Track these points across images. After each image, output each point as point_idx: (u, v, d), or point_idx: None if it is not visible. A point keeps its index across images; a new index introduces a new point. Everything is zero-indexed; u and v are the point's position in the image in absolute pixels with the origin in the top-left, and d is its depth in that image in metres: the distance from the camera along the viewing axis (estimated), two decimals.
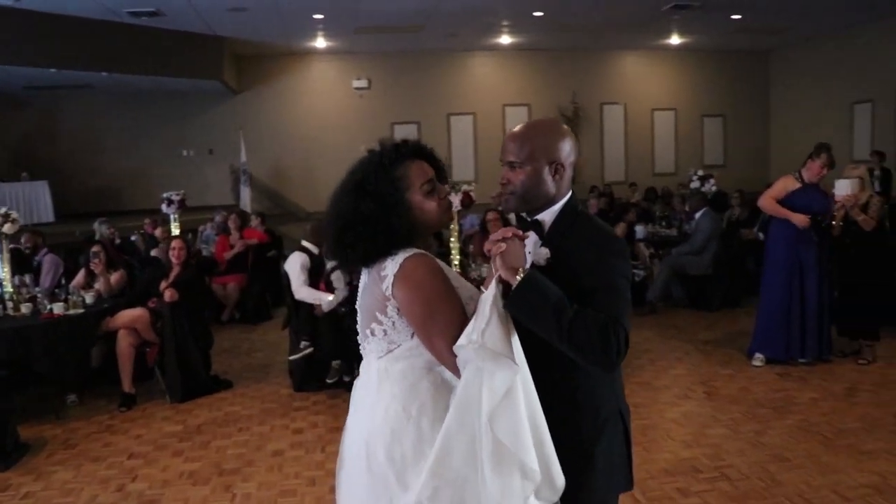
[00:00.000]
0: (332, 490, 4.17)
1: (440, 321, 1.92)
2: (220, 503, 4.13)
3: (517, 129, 2.11)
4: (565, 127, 2.14)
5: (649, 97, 16.16)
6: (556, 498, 1.93)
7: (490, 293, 1.88)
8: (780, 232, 6.15)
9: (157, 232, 8.61)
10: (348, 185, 2.05)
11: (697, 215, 8.75)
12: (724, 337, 7.33)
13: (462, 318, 1.92)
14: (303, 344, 6.04)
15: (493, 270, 1.93)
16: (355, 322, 6.46)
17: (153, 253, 7.95)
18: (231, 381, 6.30)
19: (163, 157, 14.30)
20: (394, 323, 1.99)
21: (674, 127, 16.44)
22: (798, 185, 6.08)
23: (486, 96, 15.45)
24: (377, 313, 2.01)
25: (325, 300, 5.97)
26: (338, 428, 5.12)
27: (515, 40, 14.28)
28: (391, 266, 1.97)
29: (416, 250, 1.99)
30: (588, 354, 1.87)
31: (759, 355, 6.28)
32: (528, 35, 13.90)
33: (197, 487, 4.33)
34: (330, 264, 6.15)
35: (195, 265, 6.32)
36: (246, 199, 13.06)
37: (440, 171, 2.13)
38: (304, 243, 6.32)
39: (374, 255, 2.00)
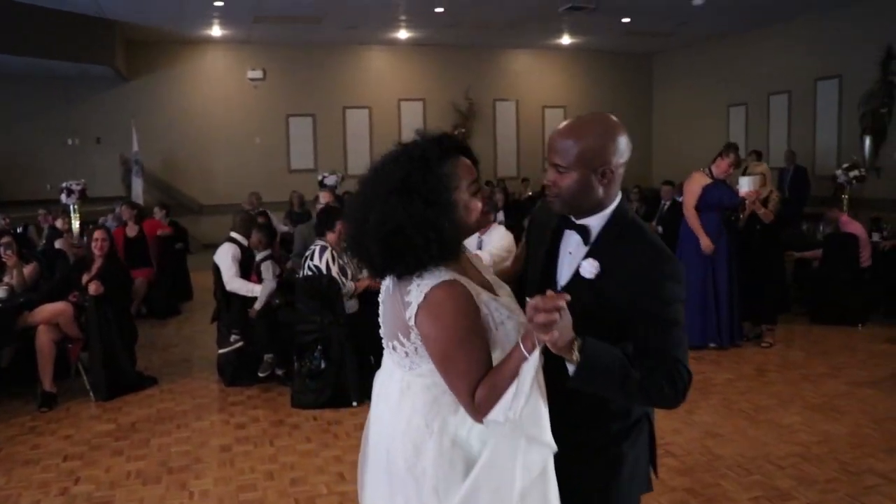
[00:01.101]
0: (294, 483, 4.20)
1: (462, 364, 1.78)
2: (178, 501, 4.01)
3: (565, 127, 1.91)
4: (617, 124, 1.92)
5: (540, 95, 16.60)
6: None
7: (532, 365, 1.69)
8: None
9: (59, 223, 8.13)
10: (388, 185, 1.82)
11: None
12: None
13: (486, 359, 1.79)
14: (233, 337, 5.90)
15: (536, 340, 1.66)
16: (288, 314, 6.28)
17: (57, 245, 7.49)
18: (156, 378, 6.07)
19: (45, 146, 13.37)
20: (416, 349, 1.86)
21: None
22: (710, 180, 6.49)
23: (382, 90, 15.43)
24: (399, 334, 1.88)
25: (257, 291, 5.86)
26: (280, 422, 5.12)
27: (412, 35, 14.33)
28: (415, 293, 1.80)
29: (443, 275, 1.80)
30: (659, 404, 1.88)
31: None
32: (425, 31, 13.99)
33: (149, 487, 4.17)
34: (259, 256, 6.04)
35: (119, 256, 6.02)
36: (138, 190, 12.48)
37: (476, 168, 1.95)
38: (234, 234, 6.17)
39: (422, 264, 1.80)
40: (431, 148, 1.86)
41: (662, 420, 5.01)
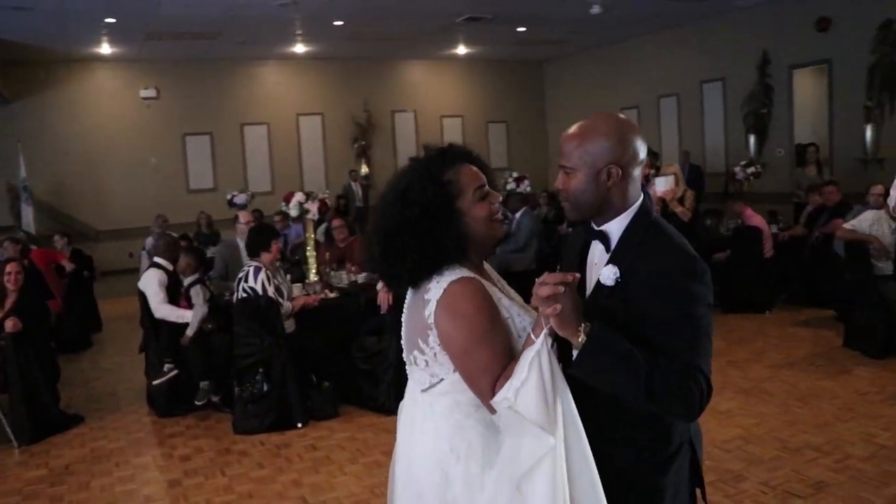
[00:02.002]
0: None
1: (482, 359, 1.76)
2: None
3: (572, 129, 1.87)
4: (625, 122, 1.87)
5: (438, 105, 16.73)
6: None
7: (535, 348, 1.68)
8: None
9: None
10: (392, 195, 1.89)
11: (517, 215, 9.31)
12: None
13: (507, 354, 1.78)
14: (167, 367, 5.66)
15: (543, 322, 1.68)
16: (222, 339, 6.13)
17: None
18: (82, 415, 5.74)
19: None
20: (435, 354, 1.85)
21: (461, 133, 17.12)
22: None
23: (280, 106, 15.17)
24: (419, 341, 1.87)
25: (188, 317, 5.64)
26: (226, 450, 4.96)
27: (309, 49, 14.16)
28: (435, 290, 1.82)
29: (463, 272, 1.83)
30: (669, 409, 1.73)
31: None
32: (322, 44, 13.87)
33: None
34: (188, 280, 5.83)
35: (34, 290, 5.66)
36: (28, 218, 11.73)
37: (489, 177, 1.96)
38: (158, 260, 5.92)
39: (424, 271, 1.84)
40: (435, 158, 1.92)
41: None
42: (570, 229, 9.70)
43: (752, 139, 12.53)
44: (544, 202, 10.95)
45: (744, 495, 3.90)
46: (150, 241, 9.32)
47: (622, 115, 1.91)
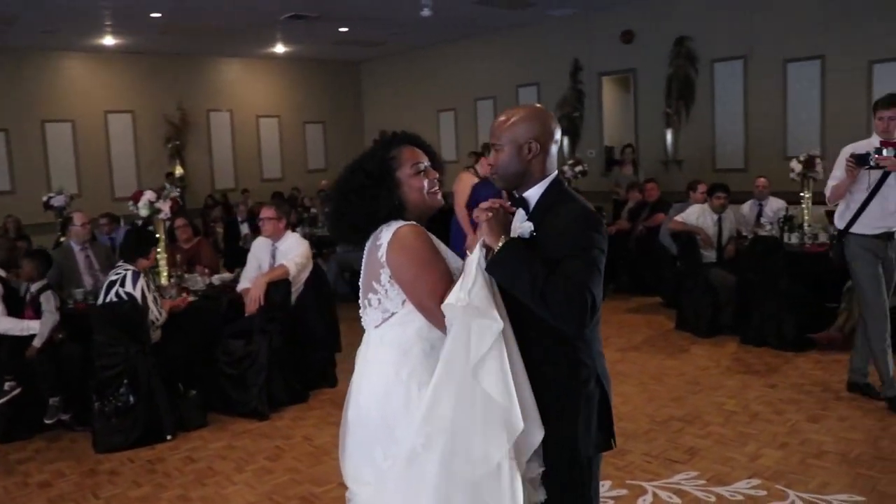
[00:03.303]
0: None
1: (428, 282, 2.16)
2: None
3: (501, 115, 2.31)
4: (540, 109, 2.34)
5: (255, 104, 16.26)
6: (538, 441, 2.12)
7: (475, 256, 2.11)
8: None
9: None
10: (352, 166, 2.35)
11: None
12: None
13: (448, 280, 2.17)
14: (8, 385, 5.11)
15: (479, 237, 2.16)
16: (73, 349, 5.81)
17: None
18: None
19: None
20: (386, 291, 2.22)
21: (278, 133, 16.80)
22: (476, 179, 6.96)
23: (87, 102, 14.01)
24: (373, 282, 2.24)
25: (35, 328, 5.13)
26: (92, 471, 4.66)
27: (119, 42, 13.25)
28: (386, 234, 2.21)
29: (410, 222, 2.24)
30: (558, 316, 2.04)
31: None
32: (134, 37, 13.01)
33: None
34: (34, 286, 5.30)
35: None
36: None
37: (434, 160, 2.39)
38: None
39: (367, 222, 2.27)
40: (387, 139, 2.37)
41: None
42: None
43: (565, 141, 13.33)
44: None
45: (632, 466, 4.21)
46: None
47: (538, 104, 2.46)
